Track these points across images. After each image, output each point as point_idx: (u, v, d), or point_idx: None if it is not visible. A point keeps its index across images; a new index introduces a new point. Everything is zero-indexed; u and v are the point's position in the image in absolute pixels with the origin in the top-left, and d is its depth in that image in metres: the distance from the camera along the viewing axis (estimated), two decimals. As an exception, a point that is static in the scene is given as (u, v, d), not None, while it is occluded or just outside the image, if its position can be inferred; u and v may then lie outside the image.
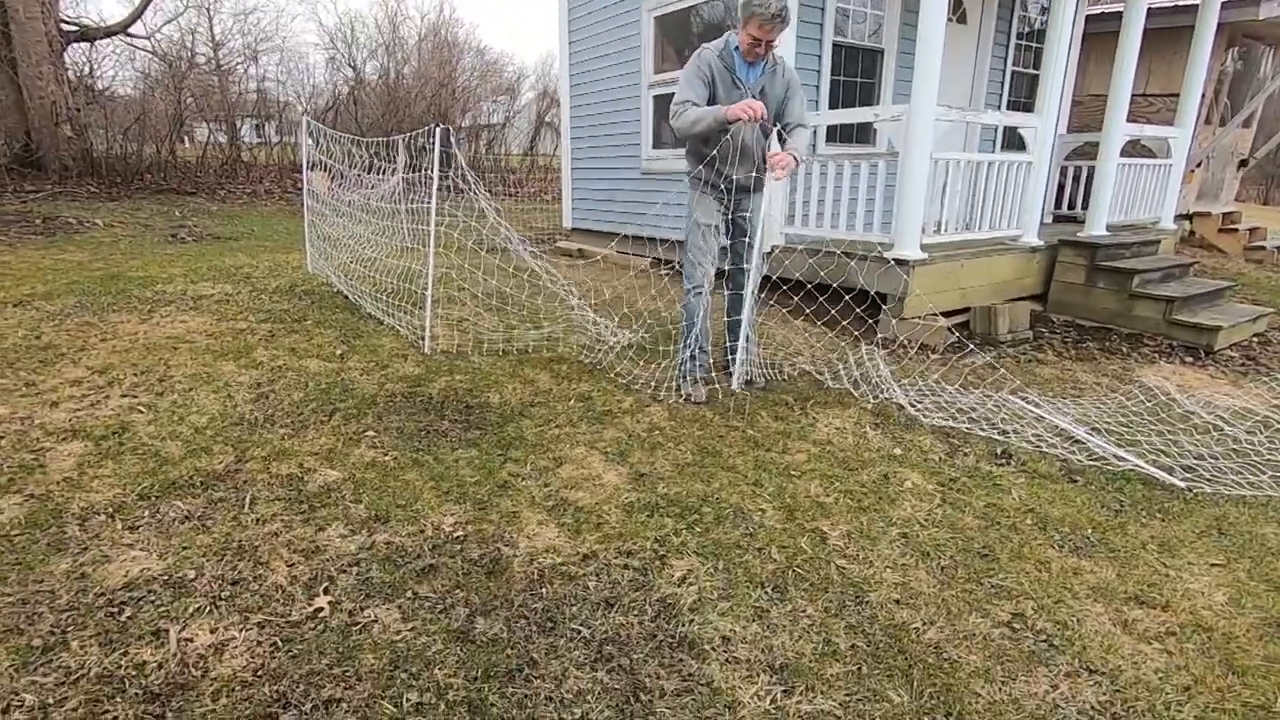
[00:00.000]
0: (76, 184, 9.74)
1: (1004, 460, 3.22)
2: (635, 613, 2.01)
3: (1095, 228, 6.22)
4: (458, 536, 2.32)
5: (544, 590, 2.08)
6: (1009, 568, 2.33)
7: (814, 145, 6.20)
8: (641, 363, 4.00)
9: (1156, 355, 5.02)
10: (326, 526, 2.33)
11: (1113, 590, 2.24)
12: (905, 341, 4.83)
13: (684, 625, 1.97)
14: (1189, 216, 9.58)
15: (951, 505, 2.75)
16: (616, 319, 4.50)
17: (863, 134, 6.64)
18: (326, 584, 2.05)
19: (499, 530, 2.37)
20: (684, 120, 3.36)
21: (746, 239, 3.65)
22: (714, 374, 3.74)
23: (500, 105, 22.07)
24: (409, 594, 2.03)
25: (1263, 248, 9.52)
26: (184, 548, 2.18)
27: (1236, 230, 9.68)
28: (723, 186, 3.47)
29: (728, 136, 3.33)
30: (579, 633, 1.92)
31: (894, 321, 5.00)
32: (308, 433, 2.97)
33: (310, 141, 6.35)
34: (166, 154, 10.94)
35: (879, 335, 5.02)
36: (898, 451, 3.20)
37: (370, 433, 2.99)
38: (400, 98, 16.46)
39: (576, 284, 5.28)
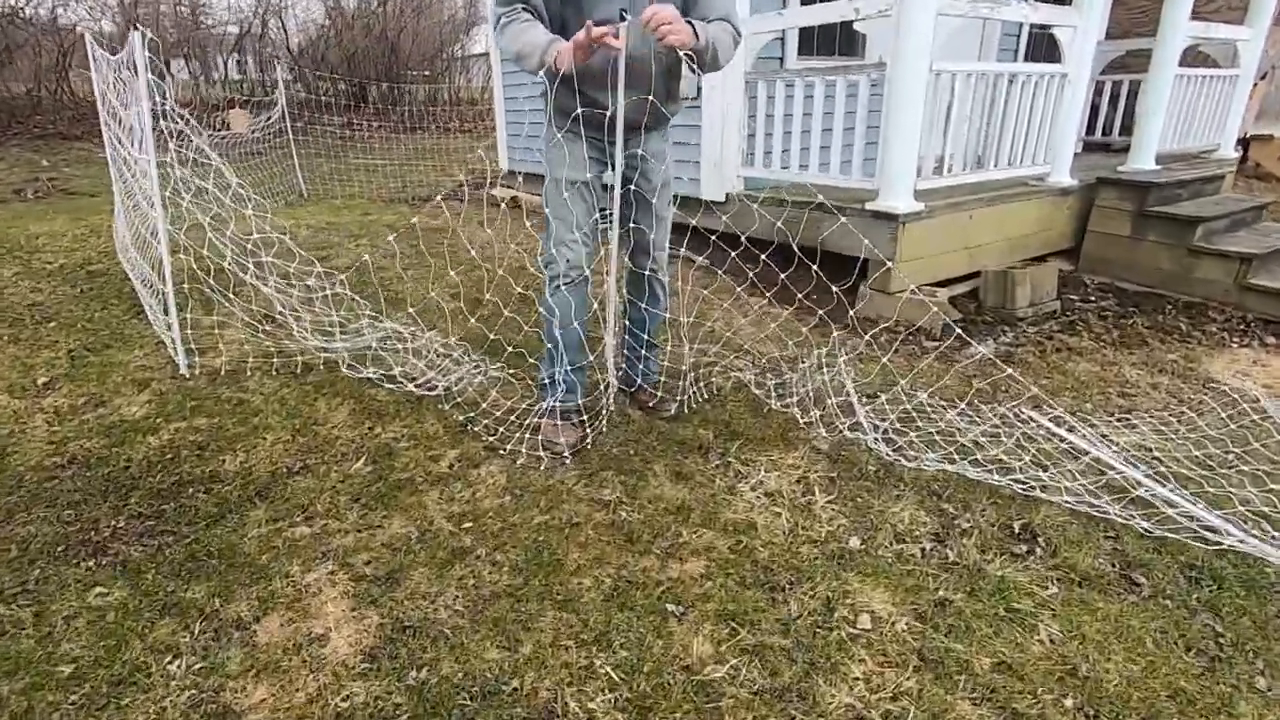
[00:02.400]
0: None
1: (1024, 544, 2.05)
2: None
3: (1142, 160, 4.83)
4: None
5: None
6: None
7: (782, 59, 4.80)
8: (510, 381, 2.79)
9: (1226, 335, 3.76)
10: None
11: None
12: (892, 324, 3.60)
13: None
14: (1244, 141, 8.08)
15: (935, 672, 1.59)
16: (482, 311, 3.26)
17: (849, 43, 5.20)
18: None
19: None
20: (506, 39, 2.08)
21: (651, 199, 2.38)
22: (611, 398, 2.53)
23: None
24: None
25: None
26: None
27: (1301, 156, 8.19)
28: (596, 122, 2.18)
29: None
30: None
31: (876, 296, 3.75)
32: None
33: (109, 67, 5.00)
34: (52, 92, 9.49)
35: (854, 314, 3.77)
36: (855, 543, 2.01)
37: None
38: (387, 24, 14.45)
39: (484, 245, 4.03)
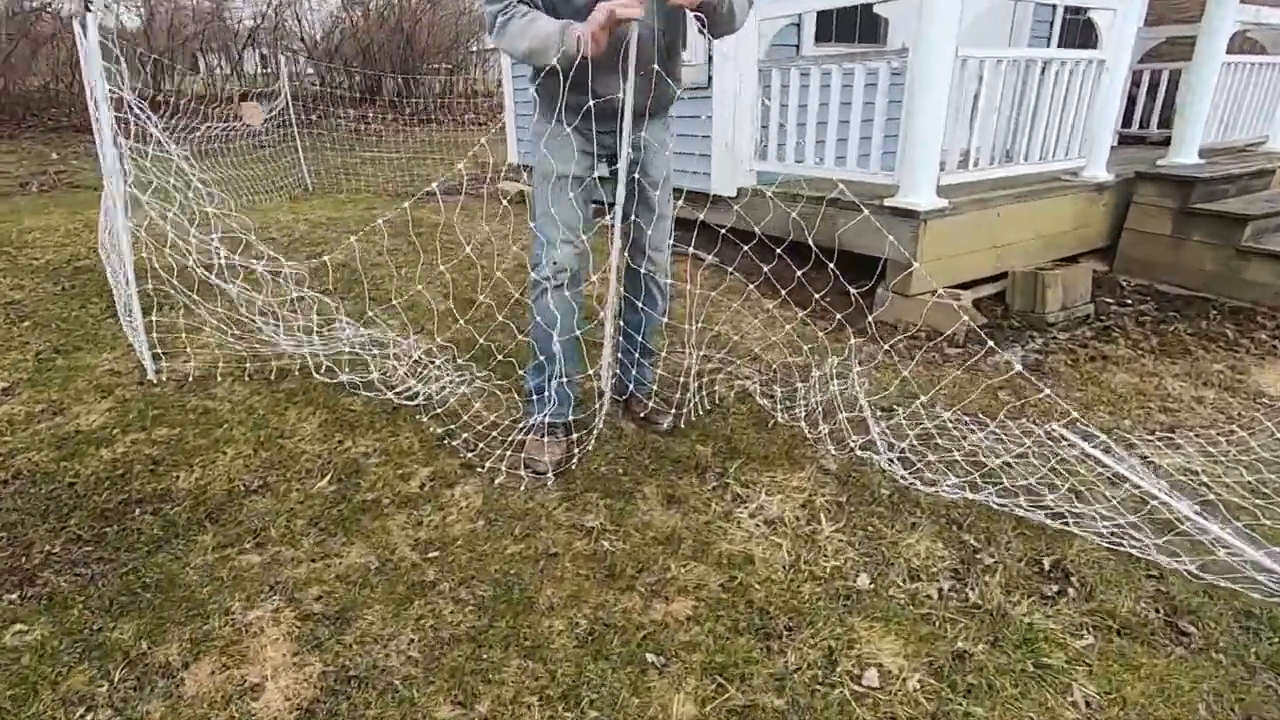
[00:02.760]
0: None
1: (1055, 584, 1.82)
2: None
3: (1184, 154, 4.52)
4: None
5: None
6: None
7: (798, 46, 4.55)
8: (496, 392, 2.60)
9: (1278, 343, 3.47)
10: None
11: None
12: (911, 329, 3.36)
13: None
14: (1291, 133, 7.65)
15: (952, 746, 1.38)
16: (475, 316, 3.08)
17: (870, 29, 4.94)
18: None
19: None
20: (508, 39, 1.88)
21: (651, 194, 2.18)
22: (603, 410, 2.34)
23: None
24: None
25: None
26: None
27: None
28: (594, 110, 1.97)
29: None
30: None
31: (895, 299, 3.51)
32: None
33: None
34: (68, 85, 9.48)
35: (872, 319, 3.54)
36: (864, 581, 1.80)
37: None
38: (402, 16, 14.24)
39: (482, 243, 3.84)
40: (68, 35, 11.36)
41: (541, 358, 2.19)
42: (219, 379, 2.58)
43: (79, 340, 2.90)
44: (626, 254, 2.30)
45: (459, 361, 2.68)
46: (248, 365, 2.62)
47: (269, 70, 15.07)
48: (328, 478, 2.07)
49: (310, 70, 13.68)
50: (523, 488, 2.07)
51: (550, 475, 2.11)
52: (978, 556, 1.92)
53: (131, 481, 2.01)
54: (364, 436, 2.28)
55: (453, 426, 2.33)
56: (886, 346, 3.15)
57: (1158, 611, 1.74)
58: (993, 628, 1.67)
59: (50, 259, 3.87)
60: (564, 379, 2.19)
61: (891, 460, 2.28)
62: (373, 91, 12.68)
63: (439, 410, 2.38)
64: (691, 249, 3.86)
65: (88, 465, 2.08)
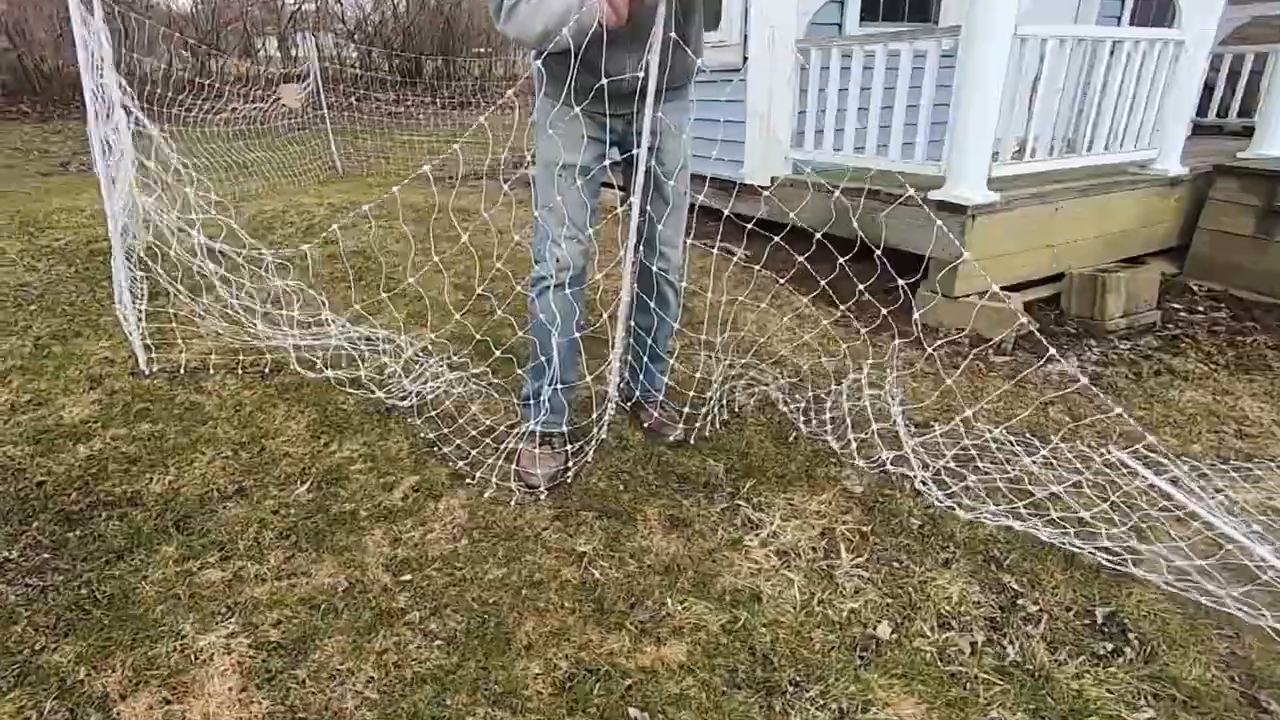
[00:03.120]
0: (9, 102, 8.59)
1: (1109, 641, 1.59)
2: None
3: (1270, 145, 4.10)
4: None
5: None
6: None
7: (840, 25, 4.26)
8: (494, 395, 2.44)
9: (1373, 359, 3.10)
10: None
11: None
12: (954, 333, 3.09)
13: None
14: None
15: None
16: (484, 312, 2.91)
17: (920, 7, 4.61)
18: None
19: None
20: (518, 23, 1.69)
21: (665, 183, 1.98)
22: (607, 418, 2.16)
23: None
24: None
25: None
26: None
27: None
28: (607, 91, 1.77)
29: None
30: None
31: (938, 300, 3.24)
32: None
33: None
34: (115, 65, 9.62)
35: (916, 318, 3.28)
36: (885, 630, 1.59)
37: None
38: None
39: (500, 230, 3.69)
40: (115, 19, 11.55)
41: (541, 359, 2.02)
42: (211, 371, 2.47)
43: (81, 325, 2.83)
44: (641, 254, 2.11)
45: (456, 358, 2.52)
46: (242, 357, 2.51)
47: (301, 53, 15.17)
48: (307, 484, 1.94)
49: (352, 53, 13.73)
50: (513, 502, 1.91)
51: (543, 489, 1.94)
52: (1019, 603, 1.69)
53: (103, 482, 1.91)
54: (351, 439, 2.14)
55: (446, 430, 2.18)
56: (930, 351, 2.90)
57: (1232, 680, 1.50)
58: (1034, 693, 1.44)
59: (70, 240, 3.85)
60: (560, 385, 2.01)
61: (925, 481, 2.05)
62: (412, 74, 12.65)
63: (434, 413, 2.23)
64: (719, 243, 3.64)
65: (62, 462, 1.98)
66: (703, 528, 1.87)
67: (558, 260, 1.92)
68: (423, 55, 12.75)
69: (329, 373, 2.29)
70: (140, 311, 2.47)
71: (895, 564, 1.79)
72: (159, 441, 2.09)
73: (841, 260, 2.18)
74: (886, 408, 2.38)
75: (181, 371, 2.46)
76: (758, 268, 2.53)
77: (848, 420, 2.24)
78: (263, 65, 13.08)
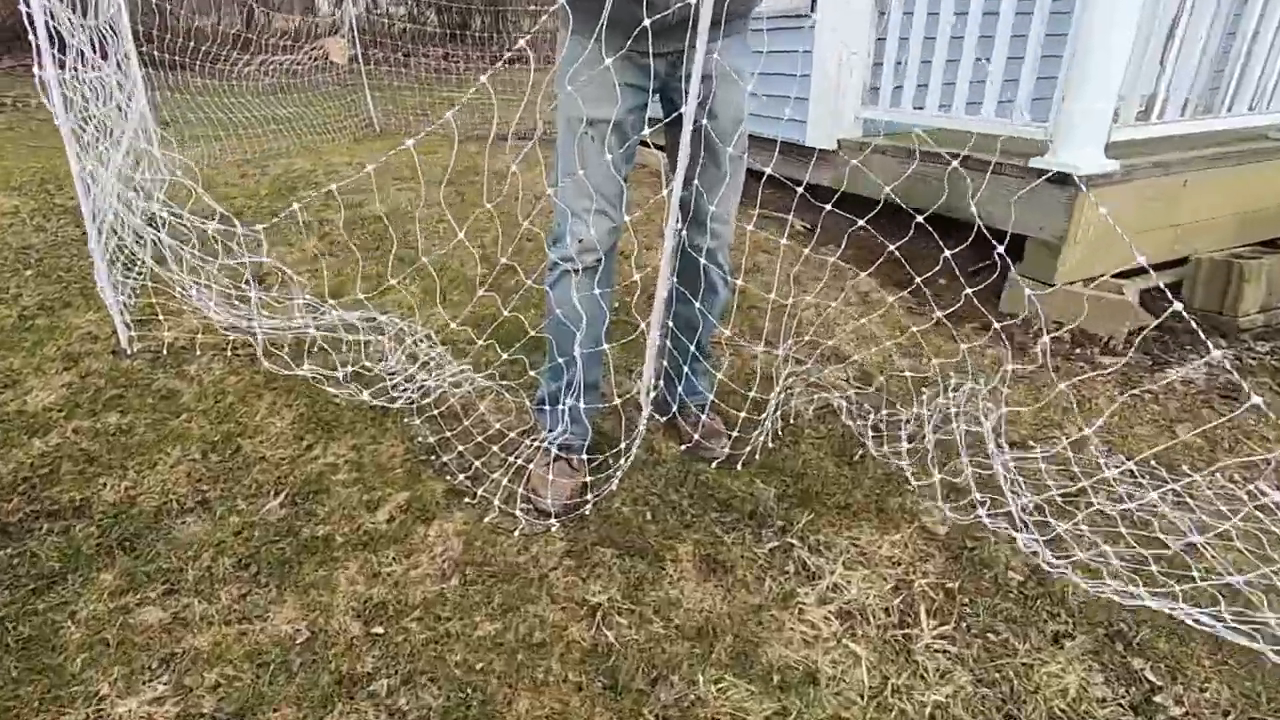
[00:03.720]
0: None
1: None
2: None
3: None
4: None
5: None
6: None
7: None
8: (504, 393, 2.10)
9: None
10: None
11: None
12: (1057, 329, 2.62)
13: None
14: None
15: None
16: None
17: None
18: None
19: None
20: None
21: (718, 146, 1.59)
22: (639, 430, 1.81)
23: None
24: None
25: None
26: None
27: None
28: (649, 26, 1.37)
29: None
30: None
31: (1034, 287, 2.76)
32: None
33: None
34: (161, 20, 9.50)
35: (1003, 310, 2.81)
36: (983, 741, 1.21)
37: None
38: None
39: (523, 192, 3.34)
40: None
41: (560, 359, 1.68)
42: (198, 351, 2.21)
43: (73, 294, 2.61)
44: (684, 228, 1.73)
45: (464, 345, 2.19)
46: (232, 336, 2.23)
47: (338, 10, 14.88)
48: (280, 498, 1.65)
49: (399, 7, 13.40)
50: (517, 532, 1.58)
51: (554, 519, 1.62)
52: (1156, 701, 1.29)
53: (52, 486, 1.65)
54: (339, 441, 1.85)
55: (449, 433, 1.87)
56: (1042, 347, 2.45)
57: None
58: None
59: (84, 200, 3.65)
60: (585, 387, 1.67)
61: (1026, 530, 1.65)
62: (461, 28, 12.25)
63: (437, 411, 1.91)
64: (768, 214, 3.23)
65: (12, 459, 1.74)
66: (746, 575, 1.51)
67: (580, 240, 1.56)
68: (470, 6, 12.31)
69: (305, 369, 1.98)
70: (132, 283, 2.21)
71: (991, 636, 1.41)
72: (124, 437, 1.83)
73: (935, 238, 1.75)
74: (972, 422, 1.96)
75: (165, 352, 2.20)
76: (823, 252, 2.12)
77: (930, 444, 1.83)
78: (312, 18, 12.87)
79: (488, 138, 1.96)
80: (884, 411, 2.06)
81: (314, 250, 3.05)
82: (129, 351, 2.20)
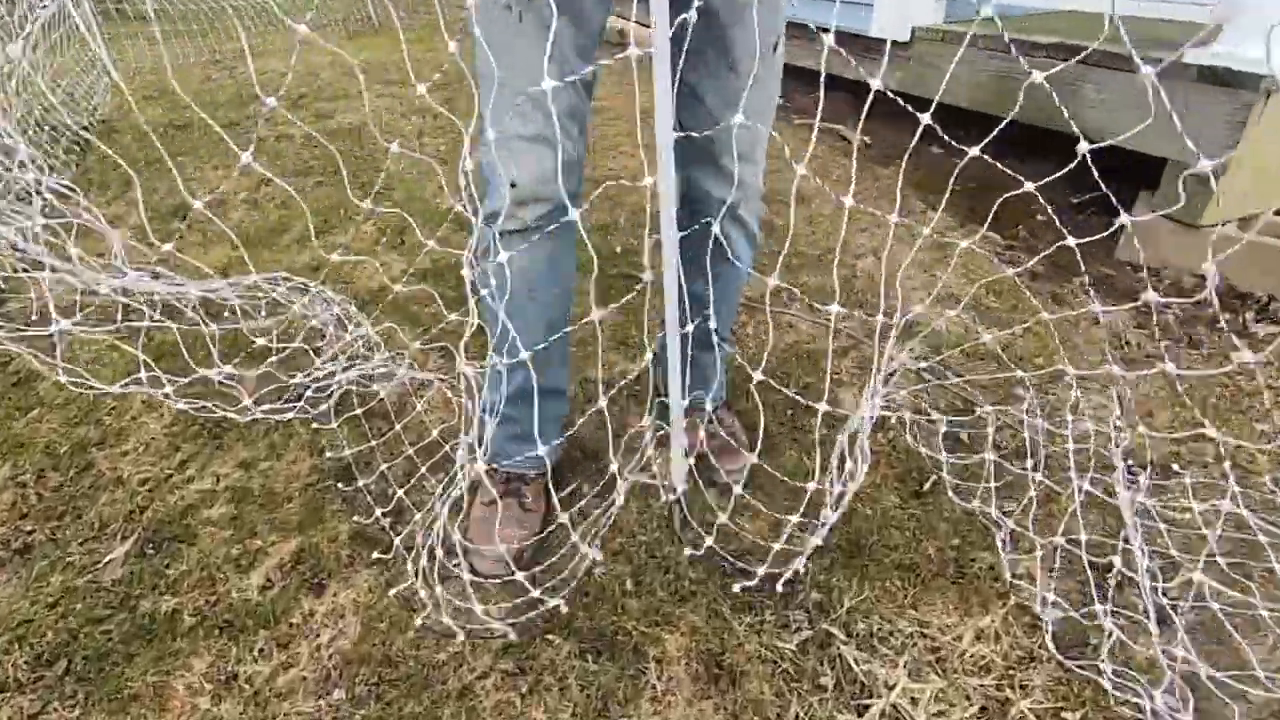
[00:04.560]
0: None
1: None
2: None
3: None
4: None
5: None
6: None
7: None
8: (453, 383, 1.60)
9: None
10: None
11: None
12: (1189, 284, 1.99)
13: None
14: None
15: None
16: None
17: None
18: None
19: None
20: None
21: (743, 32, 0.99)
22: (649, 451, 1.31)
23: None
24: None
25: None
26: None
27: None
28: None
29: None
30: None
31: (1173, 230, 2.09)
32: None
33: None
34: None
35: (1120, 258, 2.16)
36: None
37: None
38: None
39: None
40: None
41: (496, 359, 1.15)
42: (78, 315, 1.75)
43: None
44: (688, 172, 1.15)
45: (415, 307, 1.68)
46: (123, 300, 1.75)
47: None
48: (128, 544, 1.21)
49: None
50: (443, 605, 1.12)
51: (499, 574, 1.14)
52: None
53: None
54: (227, 453, 1.39)
55: (376, 443, 1.39)
56: (1149, 302, 1.83)
57: None
58: None
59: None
60: (542, 393, 1.15)
61: (1174, 632, 1.12)
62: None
63: (363, 409, 1.43)
64: (818, 123, 2.60)
65: None
66: (764, 689, 1.04)
67: (513, 185, 1.01)
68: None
69: (145, 372, 1.49)
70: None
71: (1132, 814, 0.92)
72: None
73: (1002, 220, 1.14)
74: (1096, 437, 1.39)
75: (34, 316, 1.75)
76: (858, 205, 1.50)
77: (1033, 477, 1.28)
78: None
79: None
80: (960, 421, 1.51)
81: (260, 177, 2.53)
82: (-6, 317, 1.76)
